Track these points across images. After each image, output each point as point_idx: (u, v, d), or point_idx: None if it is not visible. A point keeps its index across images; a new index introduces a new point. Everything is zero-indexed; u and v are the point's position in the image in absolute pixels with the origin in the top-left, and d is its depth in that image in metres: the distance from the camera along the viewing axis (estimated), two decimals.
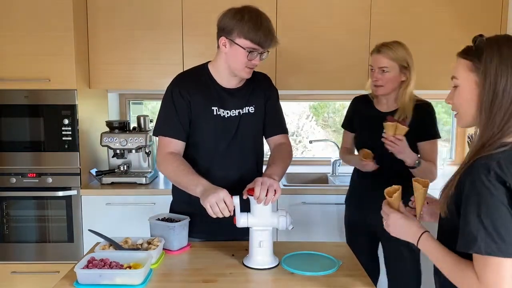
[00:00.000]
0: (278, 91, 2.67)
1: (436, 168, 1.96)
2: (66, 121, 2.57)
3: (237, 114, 1.72)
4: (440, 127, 3.44)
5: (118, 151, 2.79)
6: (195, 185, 1.53)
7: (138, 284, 1.32)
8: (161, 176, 3.01)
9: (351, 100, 2.24)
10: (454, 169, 1.19)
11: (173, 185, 1.84)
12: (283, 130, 1.84)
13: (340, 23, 2.75)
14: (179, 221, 1.64)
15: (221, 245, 1.71)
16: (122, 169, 2.80)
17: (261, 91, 1.79)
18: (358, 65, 2.73)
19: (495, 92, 1.05)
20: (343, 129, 2.30)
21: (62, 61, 2.53)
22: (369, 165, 1.98)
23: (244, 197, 1.51)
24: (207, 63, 1.76)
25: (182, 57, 2.72)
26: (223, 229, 1.67)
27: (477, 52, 1.09)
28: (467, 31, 2.76)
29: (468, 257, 1.04)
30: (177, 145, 1.69)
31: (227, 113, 1.71)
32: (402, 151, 1.84)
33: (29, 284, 2.65)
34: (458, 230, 1.05)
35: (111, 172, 2.81)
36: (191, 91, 1.69)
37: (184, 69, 2.68)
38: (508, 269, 0.97)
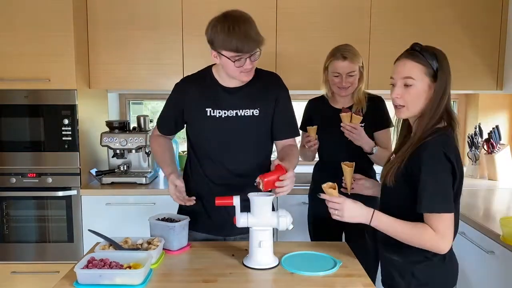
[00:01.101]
0: None
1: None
2: (66, 121, 2.57)
3: (234, 114, 1.71)
4: None
5: (118, 151, 2.79)
6: (164, 167, 1.79)
7: (138, 284, 1.32)
8: (161, 175, 3.01)
9: (307, 103, 2.37)
10: None
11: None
12: (295, 133, 1.84)
13: (340, 23, 2.75)
14: (179, 221, 1.64)
15: (221, 245, 1.71)
16: (122, 169, 2.81)
17: (269, 93, 1.75)
18: None
19: (444, 94, 1.37)
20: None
21: (62, 61, 2.53)
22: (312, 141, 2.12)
23: (275, 163, 1.55)
24: (211, 65, 1.77)
25: (182, 57, 2.72)
26: (227, 225, 1.68)
27: (427, 59, 1.37)
28: (467, 31, 2.77)
29: (414, 220, 1.36)
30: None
31: (224, 113, 1.71)
32: (359, 138, 2.03)
33: (29, 284, 2.65)
34: (403, 194, 1.39)
35: (111, 172, 2.81)
36: (189, 93, 1.73)
37: (184, 69, 2.69)
38: (452, 220, 1.34)
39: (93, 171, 2.78)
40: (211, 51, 1.64)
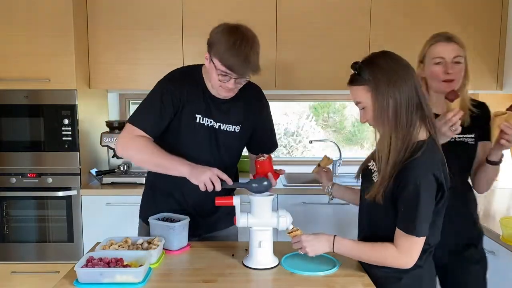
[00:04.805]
0: (278, 91, 2.67)
1: None
2: (66, 121, 2.58)
3: (217, 127, 1.68)
4: None
5: None
6: (181, 164, 1.54)
7: (138, 282, 1.32)
8: None
9: None
10: None
11: (147, 192, 1.90)
12: (274, 147, 1.88)
13: (340, 23, 2.75)
14: (179, 221, 1.64)
15: (221, 245, 1.71)
16: (122, 169, 2.81)
17: (252, 110, 1.73)
18: None
19: (395, 101, 1.29)
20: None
21: (62, 61, 2.53)
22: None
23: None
24: (201, 65, 1.71)
25: (182, 57, 2.72)
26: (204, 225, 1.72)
27: (364, 76, 1.33)
28: (467, 31, 2.77)
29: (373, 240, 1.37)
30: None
31: (210, 122, 1.67)
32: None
33: (29, 284, 2.65)
34: (391, 214, 1.33)
35: (111, 172, 2.81)
36: (183, 94, 1.64)
37: None
38: (421, 242, 1.31)
39: (93, 171, 2.78)
40: (206, 51, 1.59)
